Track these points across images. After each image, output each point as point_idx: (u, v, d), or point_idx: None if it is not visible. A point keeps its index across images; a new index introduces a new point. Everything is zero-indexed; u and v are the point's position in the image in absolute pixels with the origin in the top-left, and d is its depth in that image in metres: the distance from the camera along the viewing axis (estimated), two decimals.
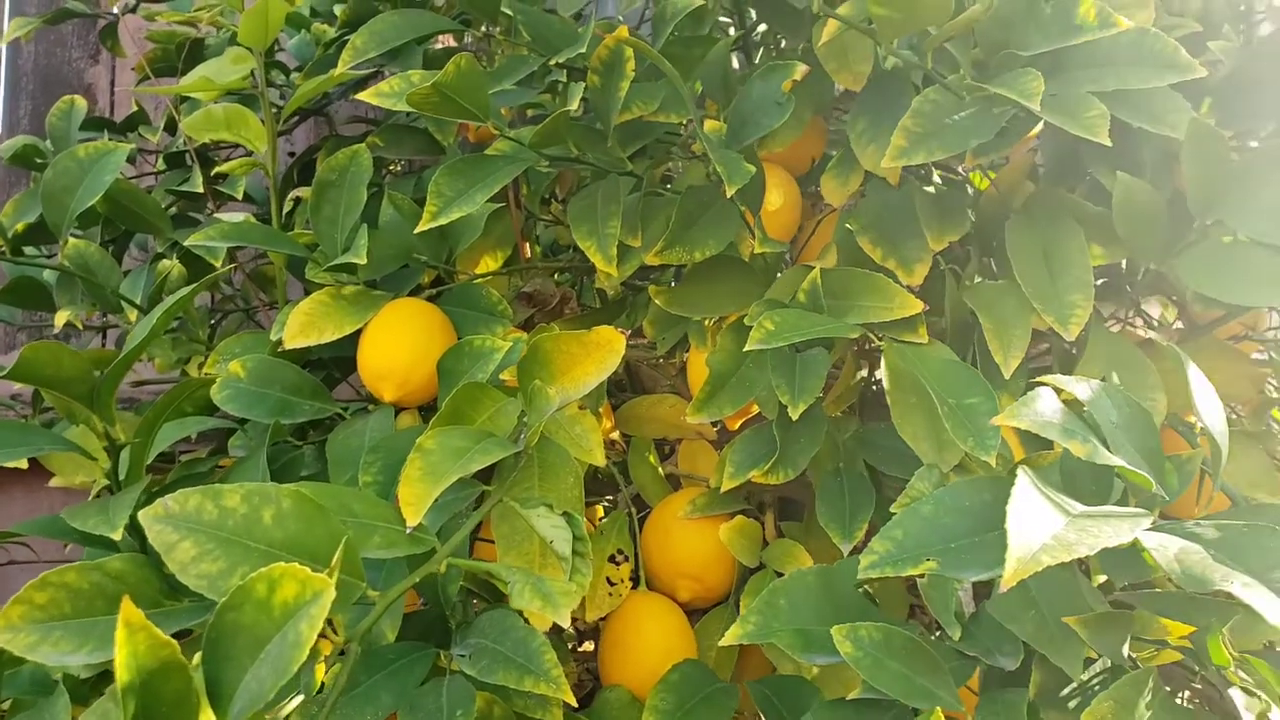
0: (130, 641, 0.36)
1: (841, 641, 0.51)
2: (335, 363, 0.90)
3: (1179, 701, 0.76)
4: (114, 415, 0.62)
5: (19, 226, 0.98)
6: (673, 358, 0.96)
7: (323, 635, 0.46)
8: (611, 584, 0.76)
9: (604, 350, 0.61)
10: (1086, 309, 0.67)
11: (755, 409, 0.81)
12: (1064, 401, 0.50)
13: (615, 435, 0.94)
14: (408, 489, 0.57)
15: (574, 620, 0.80)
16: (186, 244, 0.80)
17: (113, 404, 0.62)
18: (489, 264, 0.99)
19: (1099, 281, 0.87)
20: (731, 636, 0.56)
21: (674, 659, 0.70)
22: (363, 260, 0.78)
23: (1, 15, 1.66)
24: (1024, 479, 0.42)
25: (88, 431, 0.69)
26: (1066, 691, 0.53)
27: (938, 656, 0.52)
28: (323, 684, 0.55)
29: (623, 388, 1.06)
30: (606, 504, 0.94)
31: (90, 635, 0.46)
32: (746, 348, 0.66)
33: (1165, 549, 0.43)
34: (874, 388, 0.92)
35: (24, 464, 0.82)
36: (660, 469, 0.91)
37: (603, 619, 0.77)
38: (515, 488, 0.63)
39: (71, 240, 0.94)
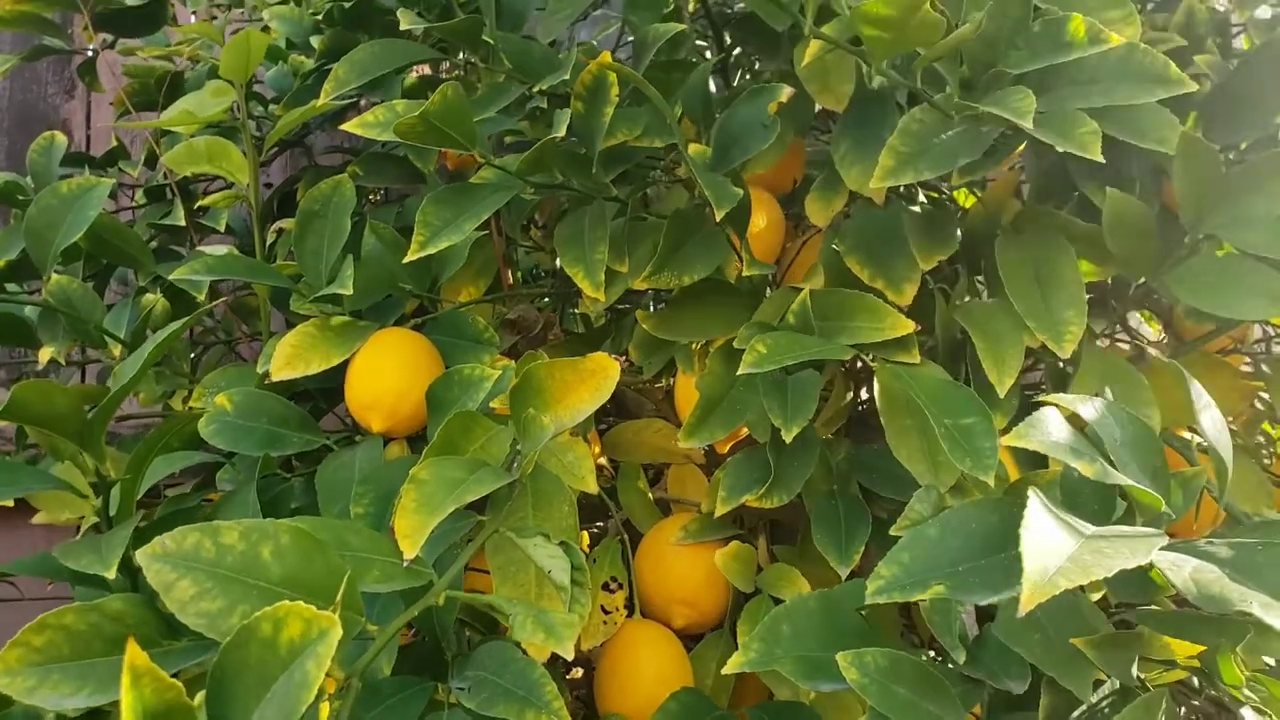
0: (136, 686, 0.35)
1: (847, 668, 0.51)
2: (322, 394, 0.89)
3: None
4: (104, 452, 0.61)
5: (0, 264, 0.97)
6: (659, 382, 0.95)
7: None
8: (606, 612, 0.76)
9: (599, 377, 0.60)
10: (1080, 326, 0.67)
11: (744, 432, 0.81)
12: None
13: (603, 461, 0.94)
14: (404, 520, 0.56)
15: None
16: (171, 278, 0.79)
17: (103, 440, 0.61)
18: (472, 292, 0.99)
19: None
20: (734, 664, 0.56)
21: (671, 687, 0.69)
22: (349, 291, 0.77)
23: None
24: (1035, 501, 0.42)
25: (73, 468, 0.68)
26: (1076, 715, 0.52)
27: (945, 681, 0.51)
28: None
29: (608, 413, 1.06)
30: (595, 530, 0.93)
31: (89, 677, 0.45)
32: (740, 371, 0.65)
33: (1179, 569, 0.43)
34: (861, 409, 0.93)
35: (9, 501, 0.81)
36: (649, 494, 0.90)
37: (597, 647, 0.76)
38: (510, 518, 0.62)
39: (54, 276, 0.92)
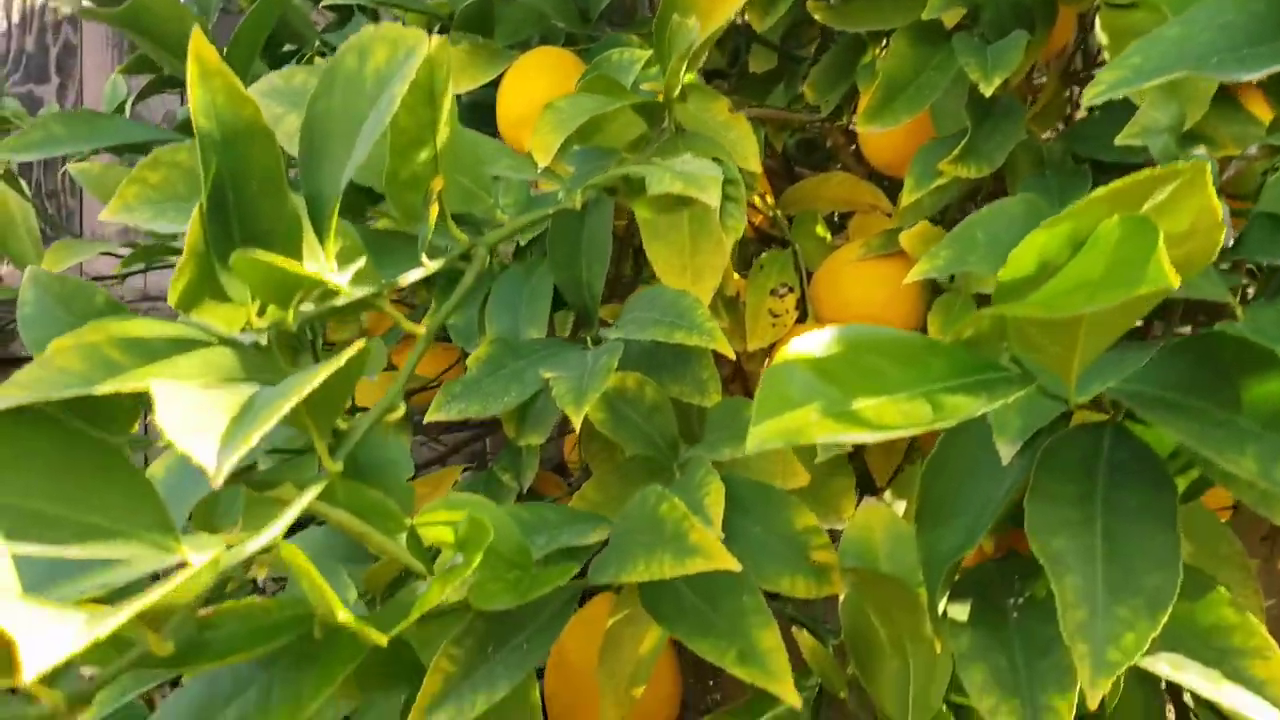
0: (204, 83, 0.31)
1: None
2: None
3: None
4: None
5: None
6: (839, 119, 0.86)
7: None
8: (775, 315, 0.68)
9: None
10: None
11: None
12: None
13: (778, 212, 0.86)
14: (538, 139, 0.51)
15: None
16: None
17: None
18: None
19: None
20: (918, 271, 0.48)
21: None
22: None
23: None
24: None
25: None
26: None
27: None
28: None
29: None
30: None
31: None
32: None
33: None
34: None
35: None
36: (829, 239, 0.82)
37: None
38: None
39: None
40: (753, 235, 0.85)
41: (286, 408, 0.24)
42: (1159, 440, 0.39)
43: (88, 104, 1.31)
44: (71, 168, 0.87)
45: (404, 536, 0.37)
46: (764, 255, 0.72)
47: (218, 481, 0.22)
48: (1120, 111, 0.57)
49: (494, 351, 0.54)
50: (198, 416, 0.24)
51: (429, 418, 0.53)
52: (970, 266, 0.46)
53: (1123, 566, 0.34)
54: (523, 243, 0.62)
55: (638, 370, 0.54)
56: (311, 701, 0.32)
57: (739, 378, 0.75)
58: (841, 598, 0.50)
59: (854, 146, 0.86)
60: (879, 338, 0.34)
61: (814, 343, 0.33)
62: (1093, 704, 0.32)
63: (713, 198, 0.43)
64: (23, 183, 0.95)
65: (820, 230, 0.82)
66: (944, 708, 0.48)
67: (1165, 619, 0.33)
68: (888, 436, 0.29)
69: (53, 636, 0.19)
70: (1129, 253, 0.26)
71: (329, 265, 0.34)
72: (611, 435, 0.52)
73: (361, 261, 0.31)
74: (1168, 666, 0.37)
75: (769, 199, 0.86)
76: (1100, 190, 0.29)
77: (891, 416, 0.30)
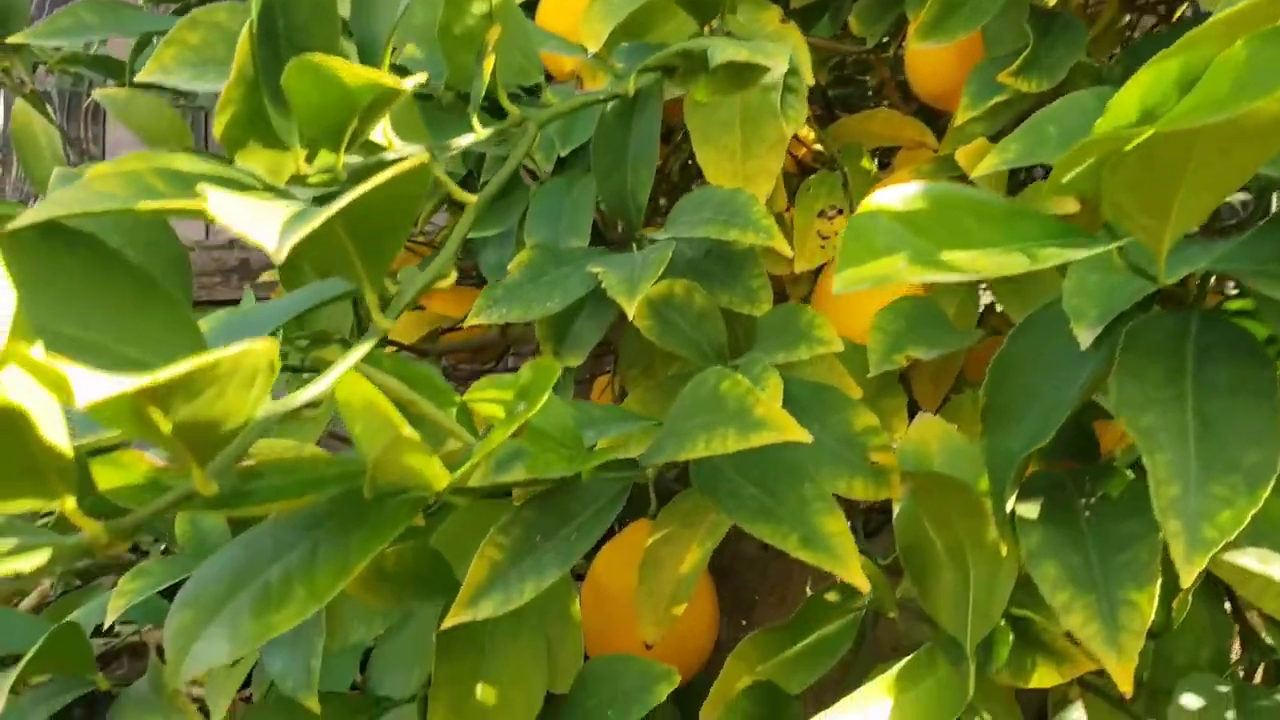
0: None
1: None
2: None
3: None
4: None
5: None
6: (885, 51, 0.84)
7: None
8: (824, 238, 0.66)
9: None
10: None
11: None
12: None
13: (819, 147, 0.84)
14: (587, 26, 0.49)
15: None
16: None
17: None
18: None
19: None
20: (987, 165, 0.45)
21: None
22: None
23: None
24: None
25: None
26: None
27: None
28: None
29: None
30: None
31: None
32: None
33: None
34: None
35: None
36: (875, 171, 0.79)
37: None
38: None
39: None
40: (795, 171, 0.83)
41: (344, 204, 0.22)
42: (1251, 327, 0.37)
43: (112, 48, 1.30)
44: (98, 94, 0.86)
45: (454, 411, 0.36)
46: (812, 177, 0.70)
47: (280, 256, 0.20)
48: (1182, 31, 0.55)
49: (536, 257, 0.53)
50: (256, 208, 0.22)
51: (470, 321, 0.51)
52: (1041, 159, 0.44)
53: (1217, 443, 0.32)
54: (564, 154, 0.60)
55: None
56: (358, 562, 0.30)
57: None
58: (896, 511, 0.48)
59: (900, 83, 0.84)
60: (966, 196, 0.32)
61: (898, 196, 0.31)
62: (1186, 582, 0.30)
63: (780, 65, 0.41)
64: (50, 109, 0.94)
65: (866, 163, 0.80)
66: (1002, 621, 0.46)
67: (1266, 495, 0.31)
68: (980, 278, 0.27)
69: (104, 380, 0.17)
70: (1261, 64, 0.24)
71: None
72: (659, 342, 0.50)
73: (423, 74, 0.29)
74: (1255, 560, 0.35)
75: (813, 131, 0.84)
76: (1217, 16, 0.27)
77: (984, 264, 0.29)
